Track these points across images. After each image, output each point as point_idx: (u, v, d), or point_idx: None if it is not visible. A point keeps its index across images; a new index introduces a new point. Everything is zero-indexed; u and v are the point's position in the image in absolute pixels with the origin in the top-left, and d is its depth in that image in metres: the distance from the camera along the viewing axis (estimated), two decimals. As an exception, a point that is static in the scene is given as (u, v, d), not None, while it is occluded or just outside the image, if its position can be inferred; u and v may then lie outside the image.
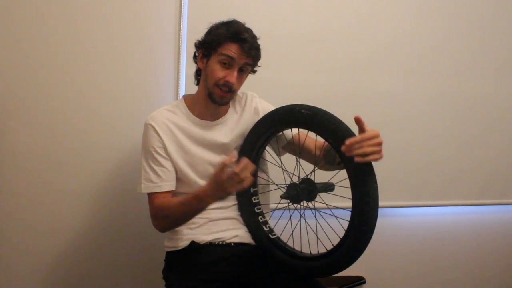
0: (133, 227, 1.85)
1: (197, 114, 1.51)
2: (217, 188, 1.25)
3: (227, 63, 1.41)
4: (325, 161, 1.42)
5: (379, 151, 1.18)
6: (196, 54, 1.51)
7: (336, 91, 2.03)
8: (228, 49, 1.40)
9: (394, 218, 2.21)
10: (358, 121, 1.20)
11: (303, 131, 1.48)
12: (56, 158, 1.77)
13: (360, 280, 2.14)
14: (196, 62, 1.52)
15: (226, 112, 1.54)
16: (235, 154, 1.24)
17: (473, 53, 2.23)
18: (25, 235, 1.76)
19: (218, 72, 1.42)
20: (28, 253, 1.77)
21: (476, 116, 2.25)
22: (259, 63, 1.50)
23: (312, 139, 1.48)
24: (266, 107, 1.56)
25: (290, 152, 1.57)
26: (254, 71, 1.51)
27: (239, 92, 1.59)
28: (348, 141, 1.16)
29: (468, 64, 2.23)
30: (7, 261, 1.76)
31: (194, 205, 1.34)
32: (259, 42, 1.47)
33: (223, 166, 1.22)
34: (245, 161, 1.21)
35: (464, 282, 2.36)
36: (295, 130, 1.50)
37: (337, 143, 1.23)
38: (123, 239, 1.86)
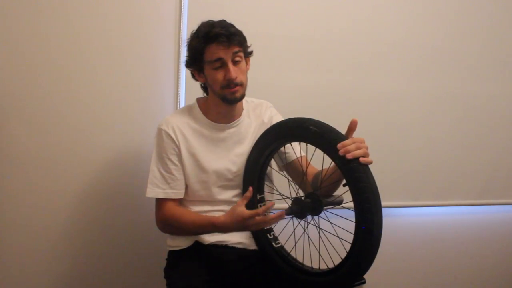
0: (134, 227, 1.85)
1: (212, 118, 1.50)
2: (239, 226, 1.31)
3: (220, 65, 1.41)
4: (312, 186, 1.44)
5: (368, 155, 1.19)
6: (192, 73, 1.51)
7: (337, 91, 2.03)
8: (210, 53, 1.40)
9: (394, 218, 2.21)
10: (354, 124, 1.22)
11: (304, 156, 1.52)
12: (56, 158, 1.77)
13: (360, 280, 2.13)
14: (197, 80, 1.52)
15: (240, 115, 1.53)
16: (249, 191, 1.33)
17: (472, 54, 2.23)
18: (25, 235, 1.76)
19: (217, 77, 1.41)
20: (28, 253, 1.77)
21: (476, 117, 2.25)
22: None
23: (311, 166, 1.50)
24: (279, 119, 1.55)
25: (286, 172, 1.57)
26: (249, 54, 1.49)
27: (255, 100, 1.58)
28: (340, 144, 1.17)
29: (468, 65, 2.22)
30: (6, 261, 1.75)
31: (207, 229, 1.39)
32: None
33: (254, 214, 1.28)
34: (278, 214, 1.26)
35: (464, 281, 2.36)
36: (297, 154, 1.53)
37: (343, 166, 1.19)
38: (124, 238, 1.86)
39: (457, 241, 2.32)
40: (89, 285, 1.84)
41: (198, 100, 1.56)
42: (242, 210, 1.30)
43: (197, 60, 1.44)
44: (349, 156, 1.15)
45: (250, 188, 1.34)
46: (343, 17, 2.04)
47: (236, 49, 1.41)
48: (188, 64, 1.49)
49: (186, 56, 1.49)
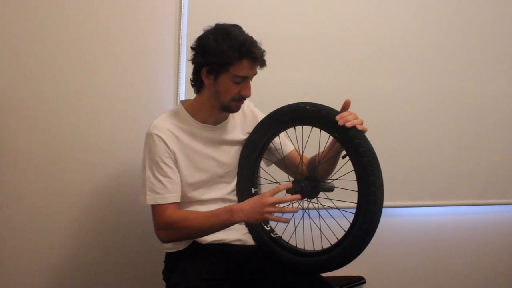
0: (132, 229, 1.85)
1: (200, 119, 1.49)
2: (256, 208, 1.29)
3: (241, 80, 1.39)
4: (308, 170, 1.49)
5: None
6: (199, 69, 1.42)
7: (336, 91, 2.03)
8: (240, 68, 1.36)
9: (394, 218, 2.21)
10: (347, 103, 1.31)
11: (295, 151, 1.57)
12: (56, 159, 1.77)
13: (360, 280, 2.14)
14: (199, 77, 1.44)
15: (227, 116, 1.54)
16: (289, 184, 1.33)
17: (473, 54, 2.23)
18: (25, 235, 1.76)
19: (233, 89, 1.40)
20: (28, 253, 1.77)
21: (477, 117, 2.25)
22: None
23: (297, 155, 1.54)
24: (261, 115, 1.57)
25: (277, 166, 1.61)
26: None
27: None
28: (339, 115, 1.27)
29: (469, 65, 2.23)
30: (6, 261, 1.76)
31: (222, 218, 1.34)
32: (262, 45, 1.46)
33: (276, 190, 1.28)
34: (296, 196, 1.29)
35: (464, 282, 2.36)
36: (289, 148, 1.58)
37: (342, 136, 1.27)
38: (121, 240, 1.86)
39: (457, 241, 2.33)
40: (87, 286, 1.85)
41: (183, 102, 1.53)
42: (264, 192, 1.31)
43: (218, 65, 1.37)
44: (348, 124, 1.25)
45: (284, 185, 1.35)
46: (343, 17, 2.04)
47: (257, 71, 1.43)
48: (202, 64, 1.40)
49: (203, 55, 1.39)
